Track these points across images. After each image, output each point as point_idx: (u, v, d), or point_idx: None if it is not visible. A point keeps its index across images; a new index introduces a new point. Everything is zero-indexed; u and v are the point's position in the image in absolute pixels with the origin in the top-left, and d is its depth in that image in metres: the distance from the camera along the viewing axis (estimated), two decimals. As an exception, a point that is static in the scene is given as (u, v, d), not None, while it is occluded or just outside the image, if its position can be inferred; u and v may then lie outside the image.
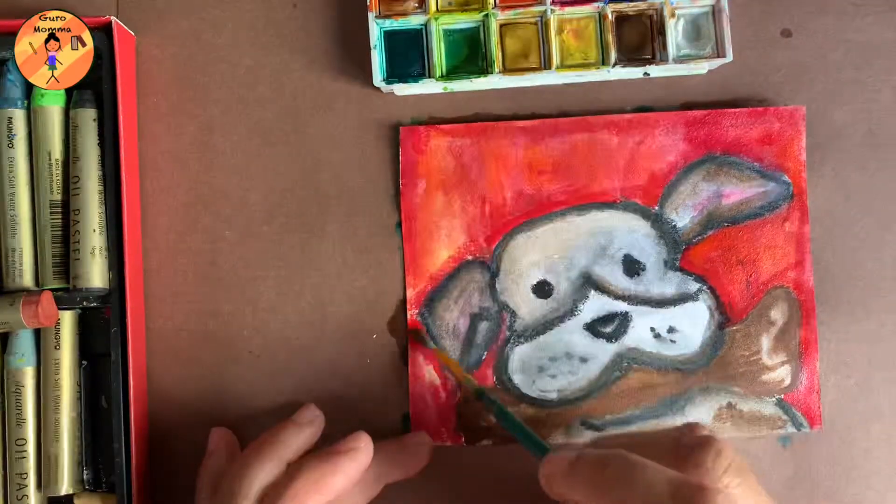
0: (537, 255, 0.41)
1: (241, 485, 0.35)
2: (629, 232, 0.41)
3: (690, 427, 0.34)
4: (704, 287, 0.41)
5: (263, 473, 0.35)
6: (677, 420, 0.41)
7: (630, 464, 0.31)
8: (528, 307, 0.41)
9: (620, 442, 0.34)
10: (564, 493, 0.33)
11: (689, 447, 0.32)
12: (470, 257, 0.41)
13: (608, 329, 0.41)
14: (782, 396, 0.41)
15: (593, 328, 0.41)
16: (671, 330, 0.41)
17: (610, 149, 0.41)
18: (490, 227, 0.41)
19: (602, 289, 0.41)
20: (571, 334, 0.41)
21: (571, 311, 0.41)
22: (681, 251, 0.41)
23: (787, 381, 0.41)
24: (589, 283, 0.41)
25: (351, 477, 0.34)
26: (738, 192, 0.41)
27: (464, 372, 0.41)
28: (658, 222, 0.41)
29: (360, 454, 0.35)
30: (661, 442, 0.33)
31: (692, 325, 0.41)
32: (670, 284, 0.41)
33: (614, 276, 0.41)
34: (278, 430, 0.37)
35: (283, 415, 0.40)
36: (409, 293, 0.41)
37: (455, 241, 0.41)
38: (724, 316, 0.41)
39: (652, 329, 0.41)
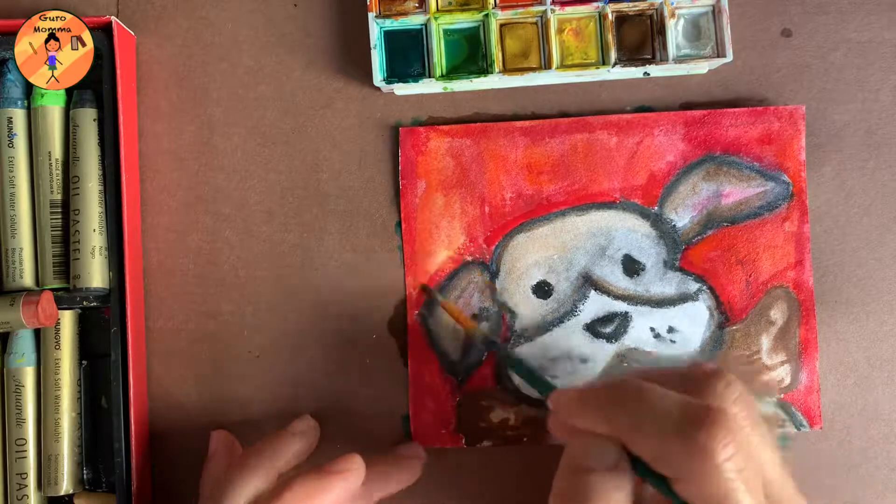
0: (537, 255, 0.41)
1: (230, 492, 0.34)
2: (629, 232, 0.41)
3: (699, 363, 0.34)
4: (704, 287, 0.41)
5: (253, 483, 0.35)
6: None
7: (639, 386, 0.30)
8: (527, 307, 0.41)
9: (629, 376, 0.33)
10: (574, 421, 0.32)
11: (698, 377, 0.31)
12: (469, 258, 0.41)
13: (608, 329, 0.41)
14: (782, 396, 0.41)
15: (593, 328, 0.41)
16: (671, 330, 0.41)
17: (609, 149, 0.41)
18: (490, 228, 0.41)
19: (602, 289, 0.41)
20: (571, 334, 0.41)
21: (571, 312, 0.41)
22: (680, 251, 0.41)
23: (787, 381, 0.41)
24: (589, 283, 0.41)
25: (340, 498, 0.34)
26: (737, 191, 0.41)
27: (471, 321, 0.41)
28: (658, 222, 0.41)
29: (351, 476, 0.34)
30: (670, 375, 0.33)
31: (692, 324, 0.41)
32: (670, 284, 0.41)
33: (614, 276, 0.41)
34: (272, 439, 0.37)
35: (282, 416, 0.41)
36: (410, 294, 0.41)
37: (454, 241, 0.41)
38: (724, 316, 0.41)
39: (652, 329, 0.41)
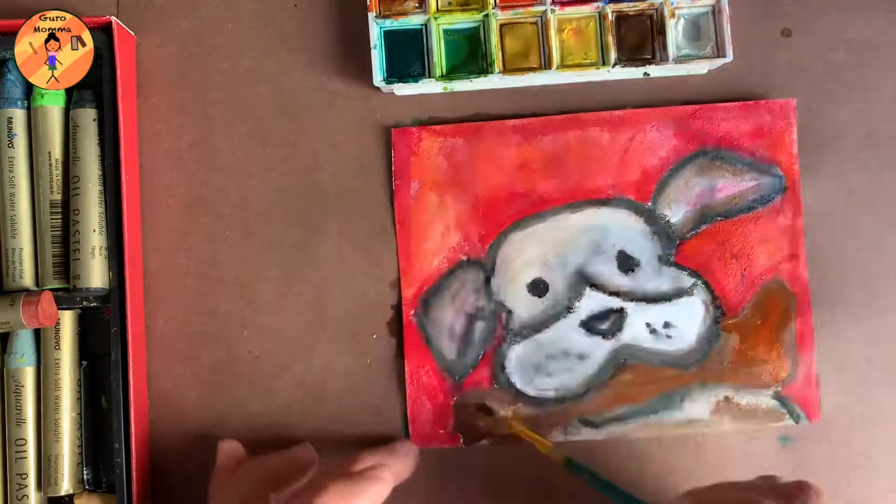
0: (532, 253, 0.41)
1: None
2: (623, 228, 0.41)
3: (772, 477, 0.36)
4: (699, 282, 0.41)
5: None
6: (675, 415, 0.41)
7: (739, 488, 0.33)
8: (523, 306, 0.41)
9: (713, 493, 0.35)
10: None
11: (788, 487, 0.33)
12: (464, 257, 0.41)
13: (604, 326, 0.41)
14: (779, 389, 0.41)
15: (589, 325, 0.41)
16: (667, 325, 0.41)
17: (602, 146, 0.41)
18: (484, 227, 0.41)
19: (597, 286, 0.41)
20: (568, 332, 0.41)
21: (567, 309, 0.41)
22: (675, 246, 0.41)
23: (784, 374, 0.41)
24: (584, 280, 0.41)
25: (373, 502, 0.34)
26: (730, 185, 0.41)
27: (546, 442, 0.40)
28: (652, 218, 0.41)
29: (382, 484, 0.35)
30: (756, 485, 0.34)
31: (687, 319, 0.41)
32: (665, 280, 0.41)
33: (609, 272, 0.41)
34: (279, 461, 0.38)
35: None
36: (405, 294, 0.41)
37: (449, 241, 0.41)
38: (720, 310, 0.41)
39: (648, 325, 0.41)
